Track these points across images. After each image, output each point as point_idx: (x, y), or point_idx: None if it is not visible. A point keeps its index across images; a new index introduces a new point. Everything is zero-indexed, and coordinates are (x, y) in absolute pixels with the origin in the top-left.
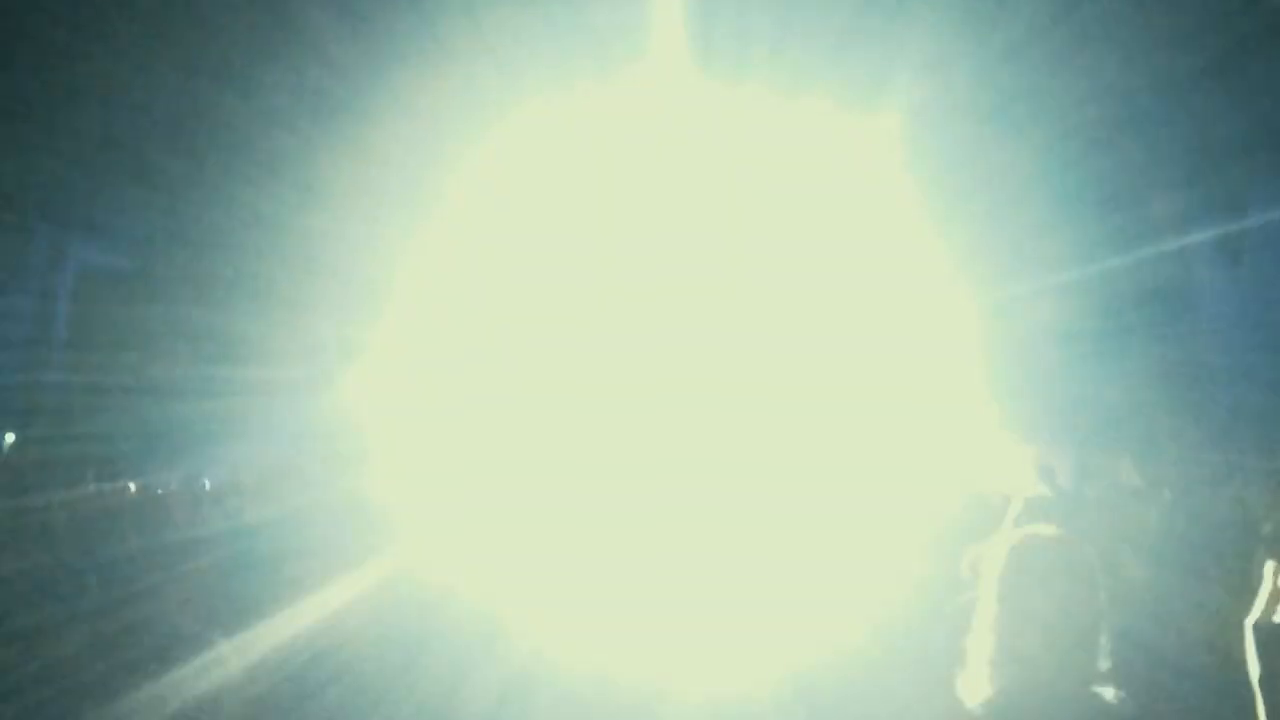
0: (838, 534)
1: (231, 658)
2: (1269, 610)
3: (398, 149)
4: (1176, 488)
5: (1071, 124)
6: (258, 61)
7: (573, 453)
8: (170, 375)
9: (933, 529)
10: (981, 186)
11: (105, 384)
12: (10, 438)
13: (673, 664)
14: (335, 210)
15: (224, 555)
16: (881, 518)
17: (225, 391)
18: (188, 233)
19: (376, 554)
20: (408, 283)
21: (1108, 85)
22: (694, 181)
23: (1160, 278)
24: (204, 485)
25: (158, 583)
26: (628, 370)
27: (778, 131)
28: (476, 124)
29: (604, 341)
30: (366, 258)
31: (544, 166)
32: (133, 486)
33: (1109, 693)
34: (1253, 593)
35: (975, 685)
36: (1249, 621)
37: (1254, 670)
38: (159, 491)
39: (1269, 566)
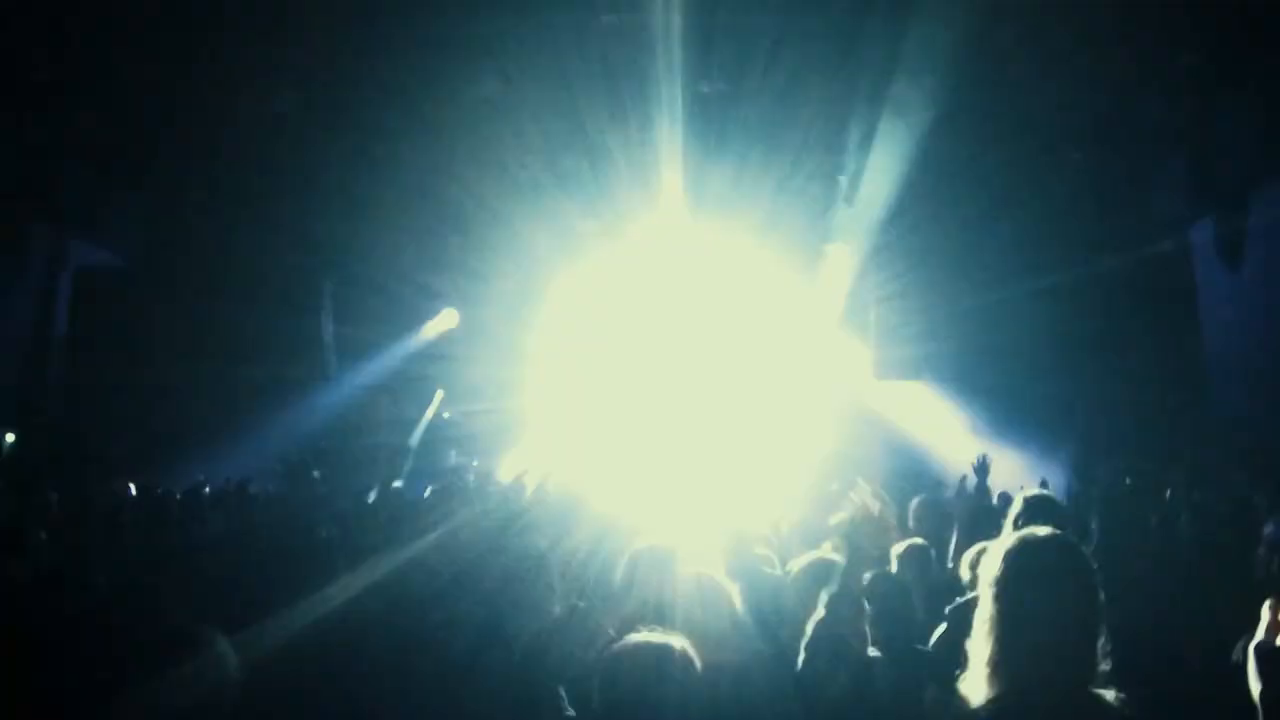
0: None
1: (232, 657)
2: (1270, 634)
3: (410, 162)
4: (1177, 488)
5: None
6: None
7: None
8: (170, 375)
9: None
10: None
11: (105, 384)
12: (10, 438)
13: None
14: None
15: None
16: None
17: (225, 391)
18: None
19: (377, 553)
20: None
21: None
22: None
23: (1160, 278)
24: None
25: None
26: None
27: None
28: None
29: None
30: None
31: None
32: (133, 486)
33: (1109, 693)
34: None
35: (975, 686)
36: (1253, 644)
37: (1255, 688)
38: (159, 491)
39: (1268, 604)
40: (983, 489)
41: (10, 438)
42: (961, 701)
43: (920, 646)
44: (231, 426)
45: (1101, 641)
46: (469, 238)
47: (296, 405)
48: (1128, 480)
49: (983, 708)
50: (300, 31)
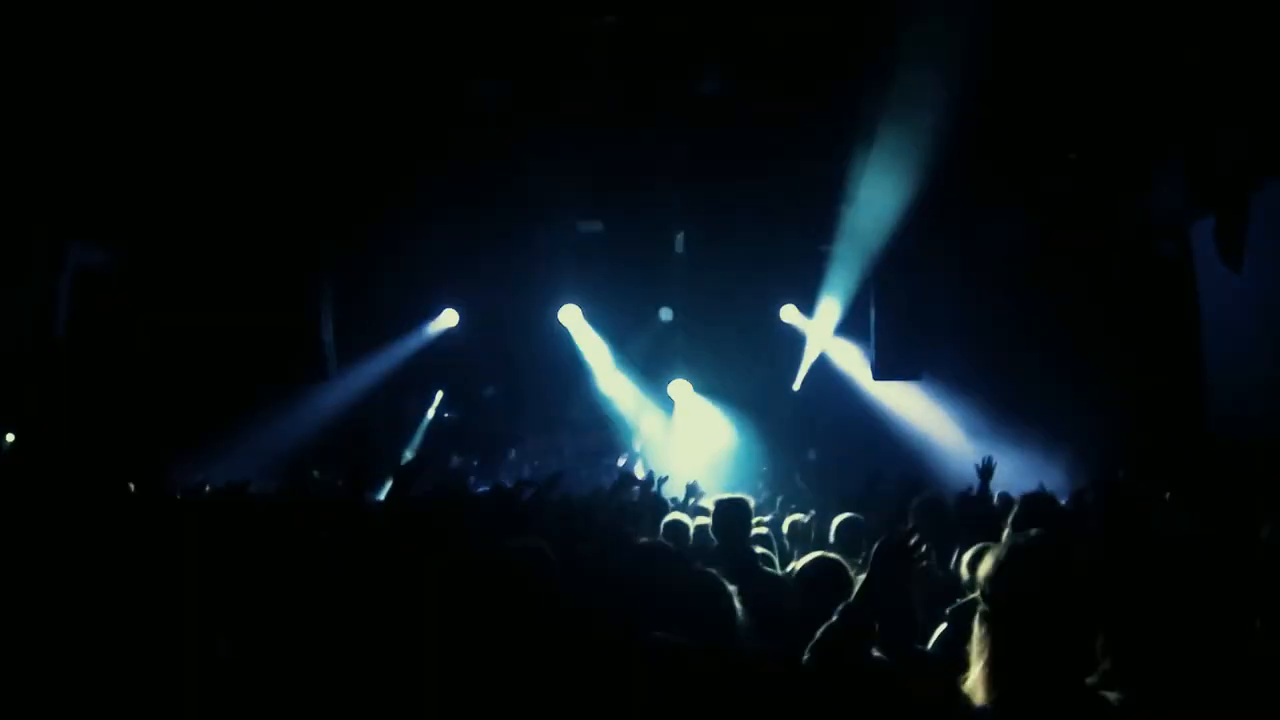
0: None
1: (234, 657)
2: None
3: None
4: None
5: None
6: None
7: None
8: (169, 375)
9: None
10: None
11: (105, 384)
12: (10, 438)
13: None
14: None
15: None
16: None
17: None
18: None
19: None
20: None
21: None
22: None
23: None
24: (204, 485)
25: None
26: None
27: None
28: None
29: None
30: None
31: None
32: (133, 487)
33: (1109, 693)
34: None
35: (976, 687)
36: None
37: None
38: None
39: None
40: (984, 490)
41: (10, 438)
42: (961, 701)
43: (920, 646)
44: (231, 426)
45: (1102, 641)
46: (469, 238)
47: (296, 405)
48: (1127, 481)
49: (983, 708)
50: (300, 31)
